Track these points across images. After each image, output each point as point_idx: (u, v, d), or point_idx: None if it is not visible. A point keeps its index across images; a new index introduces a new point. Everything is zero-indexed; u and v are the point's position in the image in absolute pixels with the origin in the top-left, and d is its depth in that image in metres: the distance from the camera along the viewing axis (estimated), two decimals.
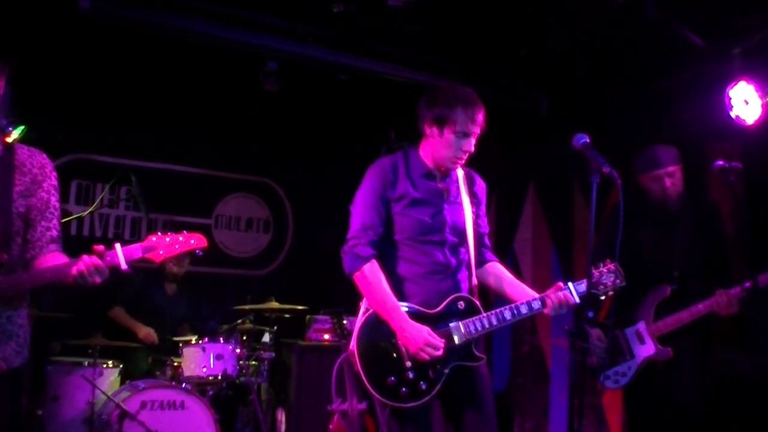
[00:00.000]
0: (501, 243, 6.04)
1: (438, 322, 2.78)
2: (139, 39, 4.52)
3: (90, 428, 4.27)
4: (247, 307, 5.22)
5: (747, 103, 3.86)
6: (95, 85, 5.50)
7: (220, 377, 4.72)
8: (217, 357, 4.72)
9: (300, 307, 5.31)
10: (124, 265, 2.34)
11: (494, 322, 2.81)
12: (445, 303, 2.83)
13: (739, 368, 4.28)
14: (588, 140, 2.69)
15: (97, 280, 2.30)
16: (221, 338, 4.91)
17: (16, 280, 2.35)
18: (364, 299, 2.85)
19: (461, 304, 2.85)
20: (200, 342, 4.77)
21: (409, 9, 3.68)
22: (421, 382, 2.72)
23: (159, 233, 2.47)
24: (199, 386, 4.68)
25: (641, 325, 3.68)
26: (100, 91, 5.61)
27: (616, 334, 3.68)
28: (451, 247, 2.91)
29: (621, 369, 3.70)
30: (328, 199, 6.97)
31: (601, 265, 2.95)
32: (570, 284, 2.88)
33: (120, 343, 4.78)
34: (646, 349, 3.65)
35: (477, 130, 2.82)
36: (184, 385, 4.54)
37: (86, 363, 4.47)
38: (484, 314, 2.83)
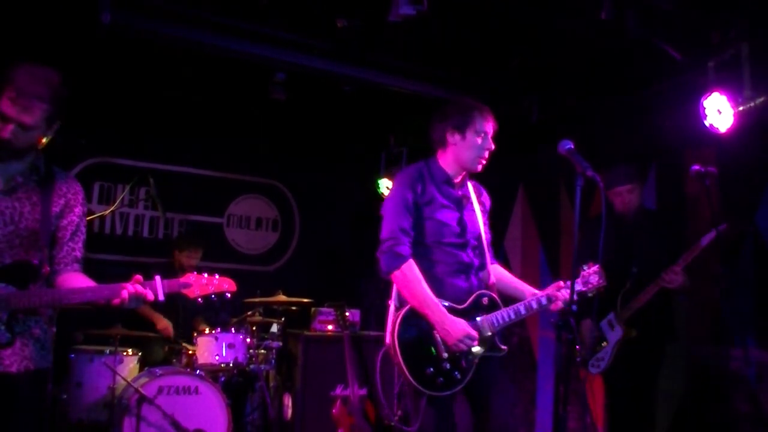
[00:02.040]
0: (492, 241, 6.04)
1: (466, 317, 2.83)
2: (157, 51, 4.53)
3: (111, 412, 4.29)
4: (256, 300, 5.21)
5: (720, 112, 3.86)
6: (117, 93, 5.52)
7: (231, 365, 4.73)
8: (229, 346, 4.73)
9: (305, 300, 5.31)
10: (161, 296, 2.36)
11: (512, 315, 2.89)
12: (471, 299, 2.88)
13: (714, 358, 4.30)
14: (573, 146, 2.66)
15: (134, 305, 2.32)
16: (233, 329, 4.92)
17: (56, 294, 2.30)
18: (393, 297, 2.88)
19: (485, 300, 2.92)
20: (213, 332, 4.78)
21: (408, 23, 3.68)
22: (456, 372, 2.77)
23: (196, 273, 2.53)
24: (212, 373, 4.69)
25: (611, 315, 3.95)
26: (121, 99, 5.63)
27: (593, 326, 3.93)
28: (472, 248, 2.97)
29: (600, 355, 3.93)
30: (332, 199, 7.00)
31: (586, 266, 3.02)
32: (563, 284, 2.99)
33: (139, 333, 4.79)
34: (616, 333, 3.90)
35: (492, 129, 2.95)
36: (198, 371, 4.54)
37: (107, 351, 4.49)
38: (504, 309, 2.91)
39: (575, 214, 2.54)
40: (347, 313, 5.33)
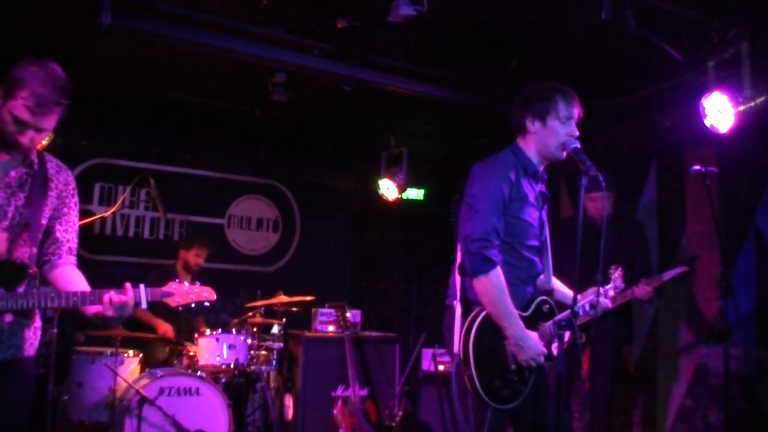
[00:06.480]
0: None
1: (529, 324, 2.65)
2: (157, 53, 4.51)
3: (112, 412, 4.28)
4: (257, 301, 5.20)
5: (720, 112, 3.84)
6: (117, 94, 5.50)
7: (232, 366, 4.72)
8: (230, 347, 4.72)
9: (306, 300, 5.30)
10: (144, 305, 2.35)
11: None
12: (534, 306, 2.72)
13: (714, 358, 4.29)
14: (579, 146, 2.62)
15: (115, 314, 2.27)
16: (233, 330, 4.91)
17: (42, 298, 2.27)
18: (458, 296, 2.68)
19: (546, 307, 2.75)
20: (214, 333, 4.77)
21: (408, 24, 3.67)
22: (520, 385, 2.62)
23: (177, 281, 2.53)
24: (213, 374, 4.68)
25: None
26: (122, 99, 5.61)
27: None
28: (540, 251, 2.81)
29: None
30: (333, 200, 6.99)
31: (612, 270, 2.95)
32: (601, 290, 2.87)
33: (140, 334, 4.77)
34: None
35: (577, 114, 2.72)
36: (199, 373, 4.53)
37: (108, 352, 4.47)
38: (558, 316, 2.71)
39: (578, 213, 2.52)
40: (348, 314, 5.33)
